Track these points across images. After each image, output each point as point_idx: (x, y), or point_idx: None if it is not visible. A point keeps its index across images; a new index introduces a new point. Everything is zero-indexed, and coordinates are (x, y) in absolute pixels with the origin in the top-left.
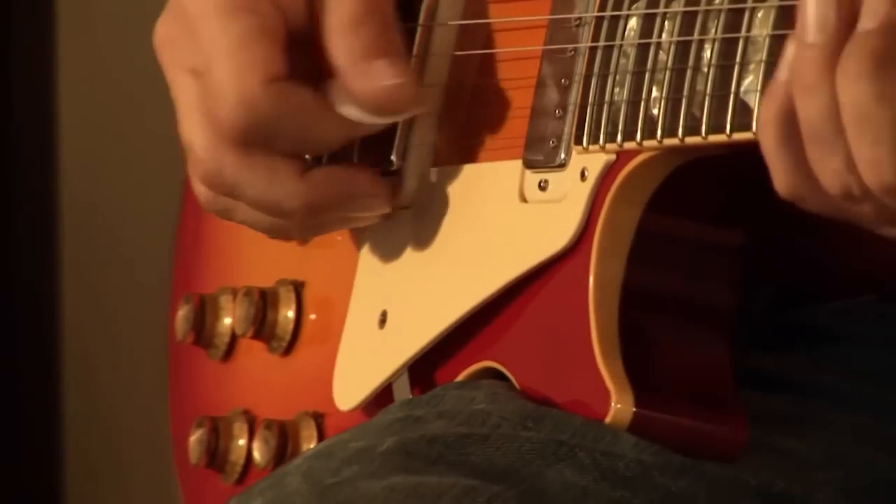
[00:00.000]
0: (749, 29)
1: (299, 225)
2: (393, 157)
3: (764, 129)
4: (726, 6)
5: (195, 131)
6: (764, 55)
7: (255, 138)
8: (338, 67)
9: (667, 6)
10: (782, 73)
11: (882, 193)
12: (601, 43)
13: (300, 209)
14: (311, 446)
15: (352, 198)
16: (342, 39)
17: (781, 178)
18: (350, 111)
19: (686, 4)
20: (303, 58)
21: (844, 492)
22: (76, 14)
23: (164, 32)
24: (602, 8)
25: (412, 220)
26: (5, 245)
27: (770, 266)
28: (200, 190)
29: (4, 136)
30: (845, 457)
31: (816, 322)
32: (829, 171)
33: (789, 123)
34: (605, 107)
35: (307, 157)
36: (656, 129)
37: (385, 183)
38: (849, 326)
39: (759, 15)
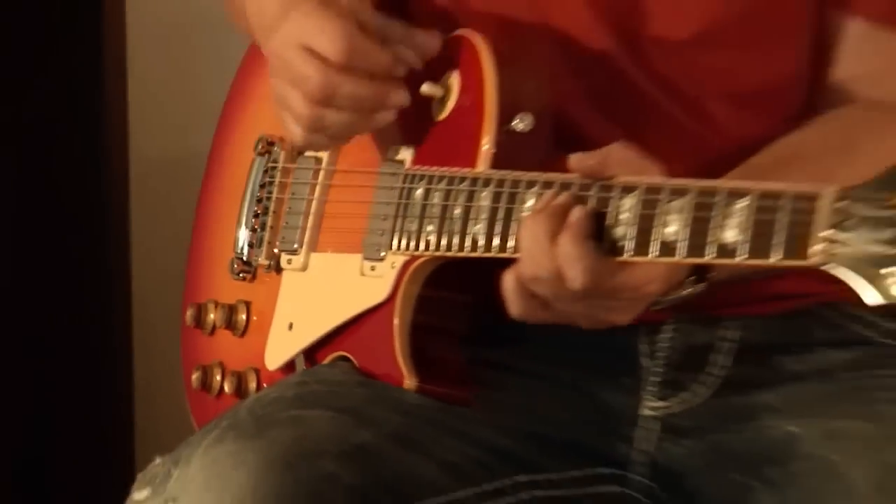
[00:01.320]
0: (479, 199)
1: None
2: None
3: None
4: (466, 187)
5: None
6: (486, 214)
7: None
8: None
9: (437, 183)
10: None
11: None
12: (403, 201)
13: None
14: (253, 386)
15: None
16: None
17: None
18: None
19: (447, 183)
20: None
21: (522, 432)
22: None
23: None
24: (405, 180)
25: (306, 279)
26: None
27: (483, 304)
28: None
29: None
30: (529, 408)
31: (510, 331)
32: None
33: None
34: (406, 232)
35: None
36: (430, 247)
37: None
38: (525, 333)
39: (483, 193)
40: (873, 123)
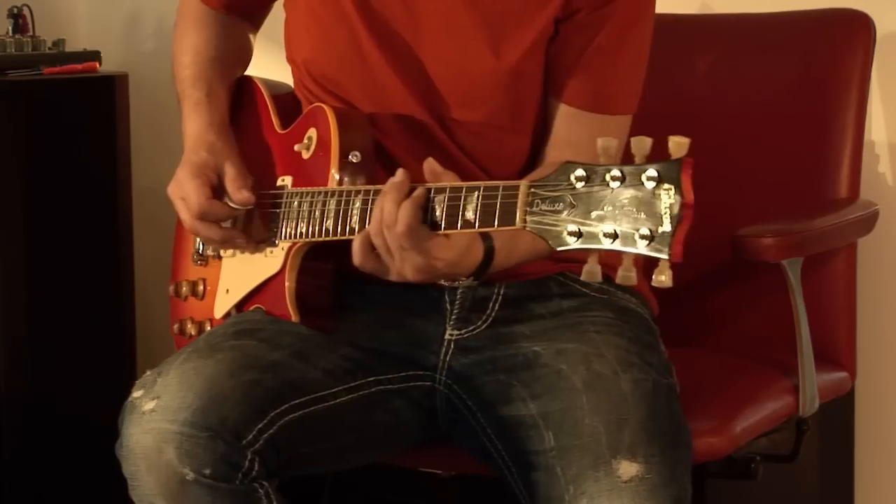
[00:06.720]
0: (329, 205)
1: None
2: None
3: (356, 246)
4: (321, 198)
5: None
6: (332, 214)
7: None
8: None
9: (305, 197)
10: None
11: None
12: (286, 209)
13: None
14: (209, 328)
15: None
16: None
17: (359, 263)
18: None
19: (311, 196)
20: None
21: (370, 349)
22: None
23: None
24: (287, 196)
25: (234, 262)
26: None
27: (340, 268)
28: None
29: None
30: (374, 334)
31: (359, 285)
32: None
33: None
34: (289, 228)
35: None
36: (303, 236)
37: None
38: (368, 287)
39: (331, 201)
40: None
